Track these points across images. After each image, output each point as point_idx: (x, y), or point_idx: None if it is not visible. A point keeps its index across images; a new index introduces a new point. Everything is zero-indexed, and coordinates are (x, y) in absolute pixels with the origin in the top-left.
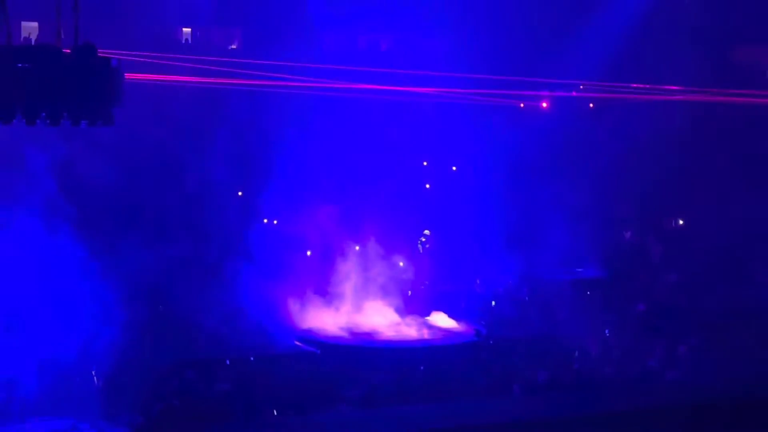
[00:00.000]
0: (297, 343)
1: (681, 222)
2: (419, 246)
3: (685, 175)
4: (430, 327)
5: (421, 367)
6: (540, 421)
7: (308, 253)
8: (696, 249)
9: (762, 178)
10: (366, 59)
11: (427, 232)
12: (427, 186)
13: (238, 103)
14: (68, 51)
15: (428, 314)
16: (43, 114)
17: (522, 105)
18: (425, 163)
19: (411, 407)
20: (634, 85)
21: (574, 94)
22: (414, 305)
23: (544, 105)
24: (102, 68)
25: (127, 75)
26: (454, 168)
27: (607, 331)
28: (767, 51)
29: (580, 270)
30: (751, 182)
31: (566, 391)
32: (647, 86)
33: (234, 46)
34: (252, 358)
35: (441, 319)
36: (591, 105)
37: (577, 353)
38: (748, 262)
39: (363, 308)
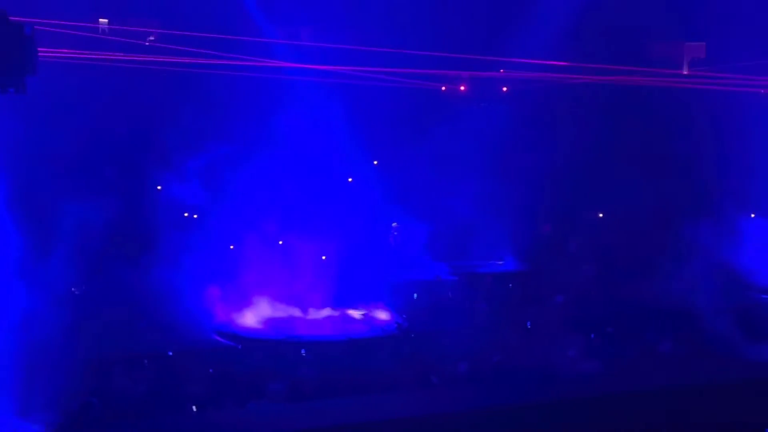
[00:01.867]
0: (216, 337)
1: (600, 215)
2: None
3: (603, 168)
4: (343, 320)
5: (343, 361)
6: (460, 413)
7: (231, 246)
8: (612, 241)
9: (675, 169)
10: (287, 44)
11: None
12: (350, 180)
13: (160, 90)
14: None
15: (345, 307)
16: None
17: (444, 89)
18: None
19: (333, 400)
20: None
21: (492, 74)
22: (333, 298)
23: (462, 88)
24: (14, 35)
25: (40, 49)
26: (375, 162)
27: (528, 323)
28: (682, 47)
29: (500, 263)
30: (666, 173)
31: (486, 383)
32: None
33: (152, 38)
34: (170, 353)
35: (355, 313)
36: (504, 89)
37: (497, 345)
38: (660, 253)
39: (280, 302)
